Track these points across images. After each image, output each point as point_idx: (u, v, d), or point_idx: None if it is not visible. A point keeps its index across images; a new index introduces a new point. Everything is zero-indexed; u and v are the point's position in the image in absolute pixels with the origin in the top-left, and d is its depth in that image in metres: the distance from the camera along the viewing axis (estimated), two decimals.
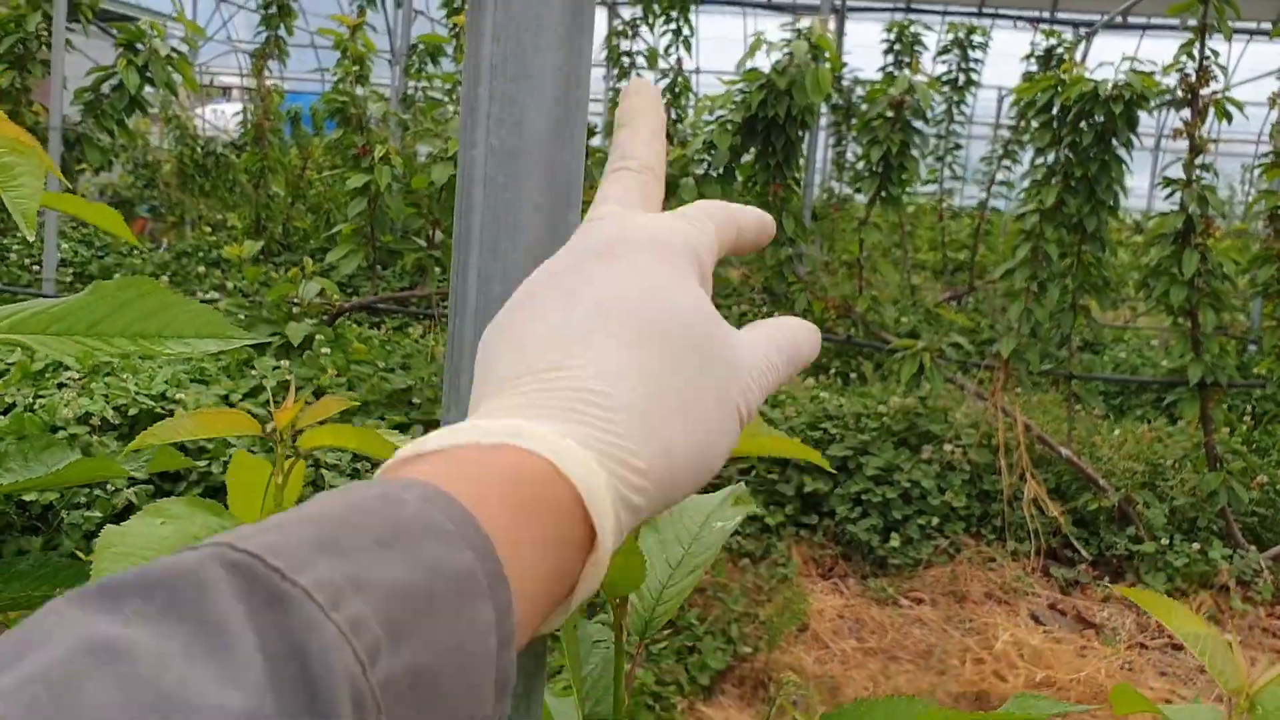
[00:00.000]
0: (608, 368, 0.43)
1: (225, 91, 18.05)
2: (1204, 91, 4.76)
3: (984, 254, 7.92)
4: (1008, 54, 9.54)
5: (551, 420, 0.42)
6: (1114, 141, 4.72)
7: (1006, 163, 7.90)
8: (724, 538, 0.94)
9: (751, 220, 0.56)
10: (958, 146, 8.63)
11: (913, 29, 7.61)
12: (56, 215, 5.42)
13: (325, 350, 4.79)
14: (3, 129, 1.11)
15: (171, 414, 4.48)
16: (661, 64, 8.20)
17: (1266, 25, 11.94)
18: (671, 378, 0.44)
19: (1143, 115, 4.77)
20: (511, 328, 0.48)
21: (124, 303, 1.13)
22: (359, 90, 5.50)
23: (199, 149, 9.73)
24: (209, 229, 9.72)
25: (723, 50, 12.60)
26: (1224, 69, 4.79)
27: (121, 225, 1.17)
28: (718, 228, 0.53)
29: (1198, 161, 4.78)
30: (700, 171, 5.04)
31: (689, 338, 0.45)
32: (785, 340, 0.52)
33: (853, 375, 6.51)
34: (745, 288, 7.39)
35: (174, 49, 5.62)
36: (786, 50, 4.90)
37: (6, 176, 1.09)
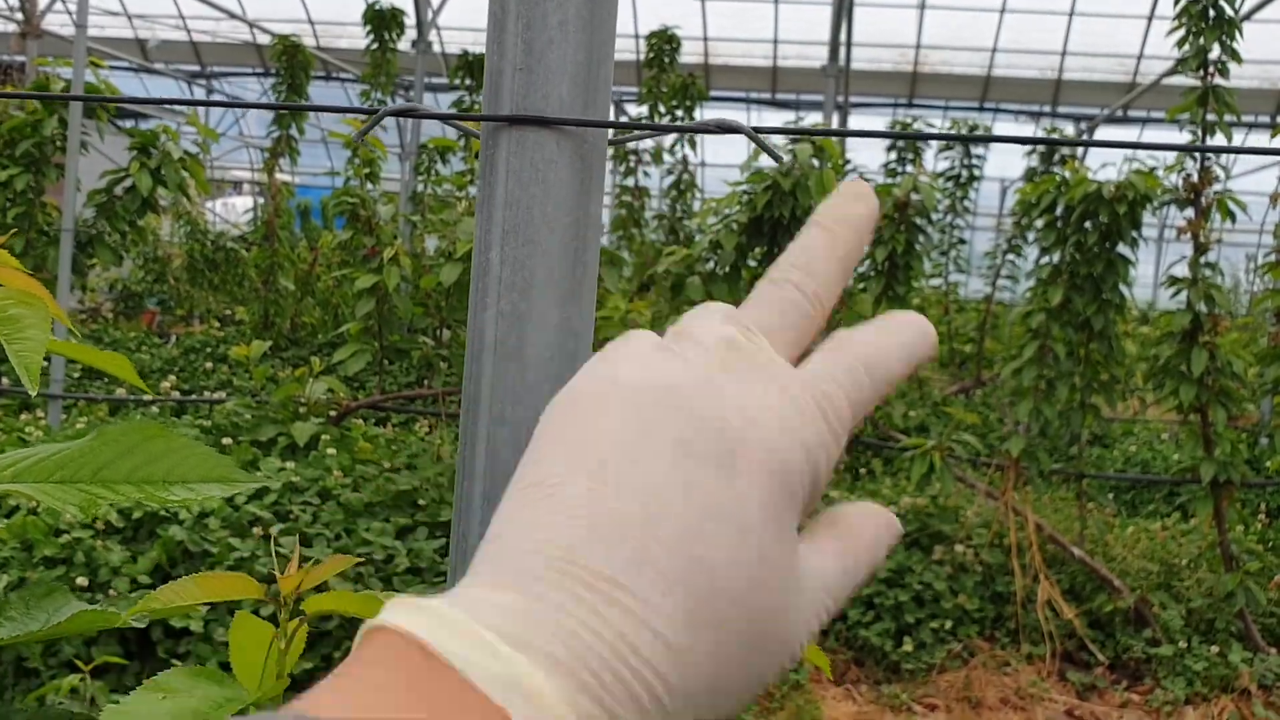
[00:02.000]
0: (672, 635, 0.34)
1: (236, 185, 18.32)
2: (1207, 191, 4.79)
3: (991, 346, 7.93)
4: (1010, 147, 9.66)
5: (565, 676, 0.32)
6: (1119, 241, 4.74)
7: (1011, 256, 7.96)
8: None
9: (913, 356, 0.45)
10: (962, 241, 8.70)
11: (915, 125, 7.72)
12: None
13: (331, 451, 4.77)
14: (13, 280, 1.11)
15: (175, 516, 4.44)
16: (666, 159, 8.31)
17: (1265, 118, 12.13)
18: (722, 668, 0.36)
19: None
20: (564, 474, 0.38)
21: (128, 448, 1.12)
22: (370, 188, 5.58)
23: (209, 244, 9.84)
24: (218, 323, 9.79)
25: (729, 144, 12.80)
26: (1225, 168, 4.84)
27: (130, 371, 1.16)
28: (865, 395, 0.42)
29: (1203, 260, 4.79)
30: (707, 270, 5.07)
31: (748, 625, 0.37)
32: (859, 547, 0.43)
33: (862, 471, 6.47)
34: None
35: (186, 151, 5.72)
36: (790, 152, 4.96)
37: (13, 329, 1.09)
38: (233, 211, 14.62)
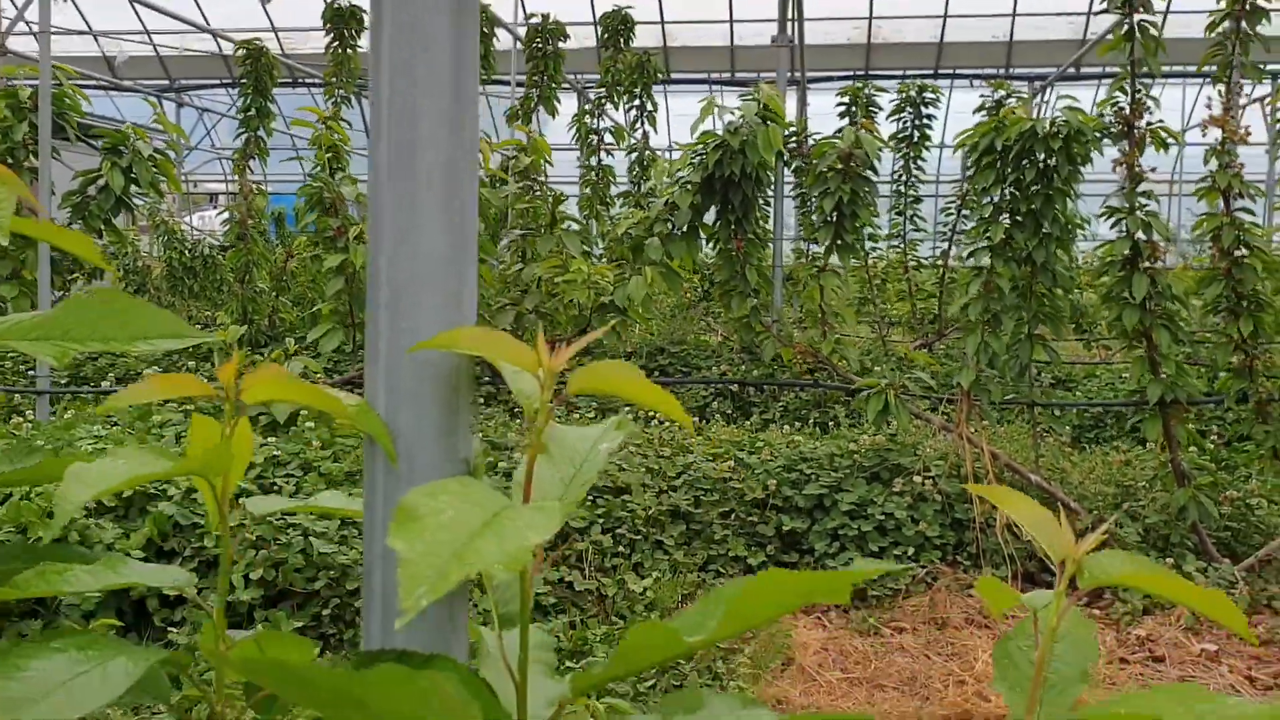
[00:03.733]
0: None
1: (212, 199, 18.44)
2: (1139, 124, 4.99)
3: (950, 302, 8.12)
4: (968, 113, 9.86)
5: None
6: (1055, 177, 4.93)
7: (966, 212, 8.16)
8: (609, 457, 1.09)
9: None
10: (918, 200, 8.89)
11: (866, 91, 7.92)
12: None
13: (310, 425, 4.93)
14: None
15: (164, 492, 4.59)
16: (629, 140, 8.47)
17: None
18: None
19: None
20: None
21: (93, 310, 1.29)
22: (338, 176, 5.74)
23: (186, 252, 9.98)
24: (199, 326, 9.93)
25: (690, 120, 12.94)
26: (1156, 100, 5.03)
27: (92, 250, 1.33)
28: None
29: (1139, 190, 4.99)
30: (665, 231, 5.25)
31: None
32: None
33: (831, 424, 6.66)
34: (725, 347, 7.57)
35: (156, 150, 5.87)
36: (738, 112, 5.15)
37: None
38: (209, 223, 14.75)
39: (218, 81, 14.60)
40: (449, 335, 0.96)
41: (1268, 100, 9.07)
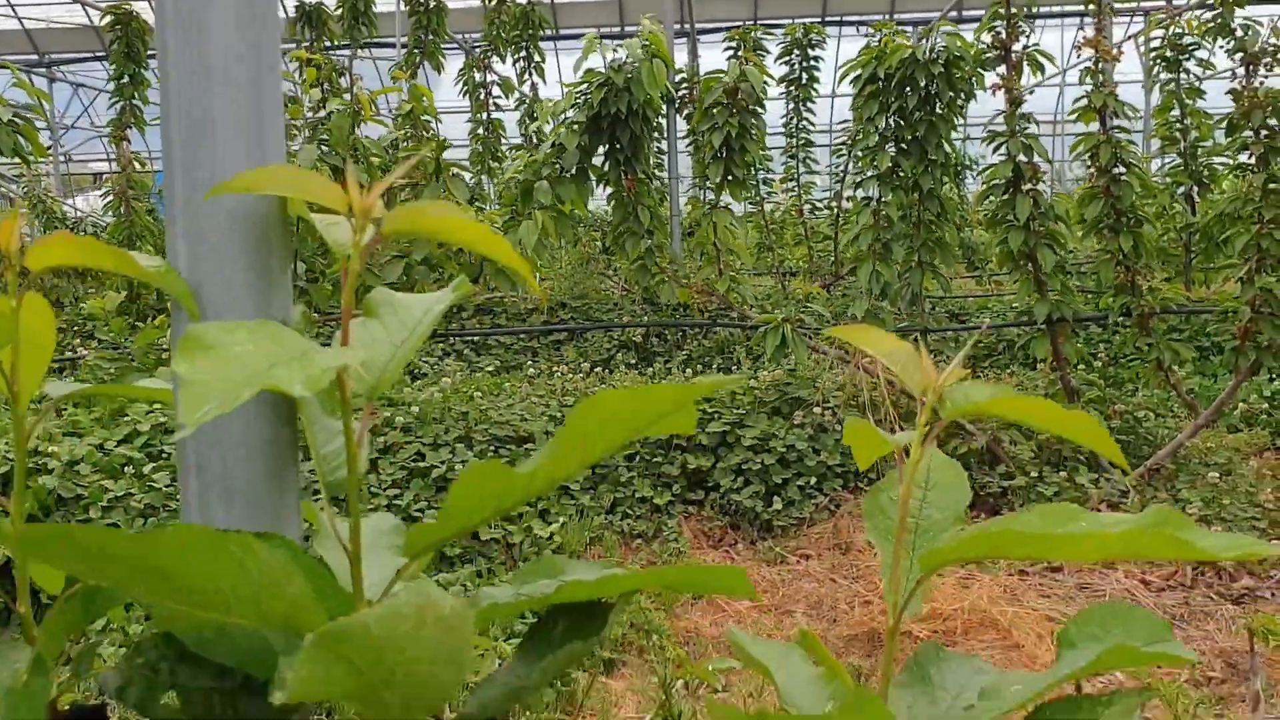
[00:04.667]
0: None
1: (95, 179, 17.78)
2: (1015, 47, 5.04)
3: (845, 244, 8.19)
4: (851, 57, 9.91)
5: None
6: (938, 103, 4.96)
7: (858, 153, 8.19)
8: (440, 316, 1.03)
9: None
10: (810, 144, 8.92)
11: (754, 35, 7.89)
12: None
13: None
14: None
15: (45, 468, 4.41)
16: (517, 93, 8.34)
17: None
18: None
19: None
20: None
21: None
22: None
23: (67, 229, 9.58)
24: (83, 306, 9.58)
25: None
26: (1030, 22, 5.08)
27: None
28: None
29: (1019, 113, 5.05)
30: (554, 174, 5.17)
31: None
32: None
33: (733, 368, 6.67)
34: (626, 299, 7.53)
35: (17, 112, 5.59)
36: (623, 50, 5.08)
37: None
38: (94, 203, 14.23)
39: (90, 55, 14.02)
40: (248, 177, 0.89)
41: (1140, 34, 9.27)
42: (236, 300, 0.94)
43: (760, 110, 5.36)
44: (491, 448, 4.68)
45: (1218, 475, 4.89)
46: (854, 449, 1.11)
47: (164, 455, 4.58)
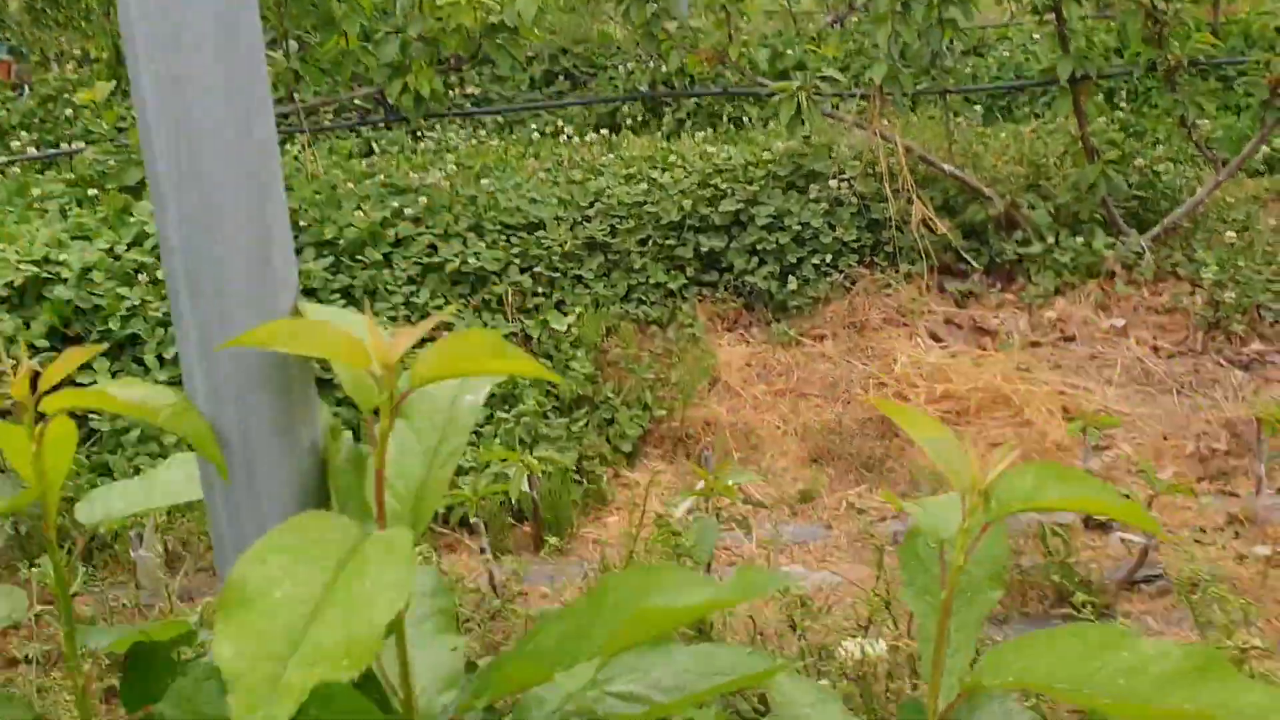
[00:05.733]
0: None
1: None
2: None
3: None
4: None
5: None
6: None
7: None
8: (476, 413, 0.98)
9: None
10: None
11: None
12: None
13: None
14: None
15: (58, 276, 4.39)
16: None
17: None
18: None
19: None
20: None
21: None
22: None
23: None
24: (73, 63, 9.24)
25: None
26: None
27: None
28: None
29: None
30: None
31: None
32: None
33: (745, 121, 6.49)
34: (630, 43, 7.22)
35: None
36: None
37: None
38: None
39: None
40: (260, 333, 0.84)
41: None
42: (263, 438, 0.91)
43: None
44: (504, 237, 4.63)
45: (1235, 234, 4.84)
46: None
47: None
